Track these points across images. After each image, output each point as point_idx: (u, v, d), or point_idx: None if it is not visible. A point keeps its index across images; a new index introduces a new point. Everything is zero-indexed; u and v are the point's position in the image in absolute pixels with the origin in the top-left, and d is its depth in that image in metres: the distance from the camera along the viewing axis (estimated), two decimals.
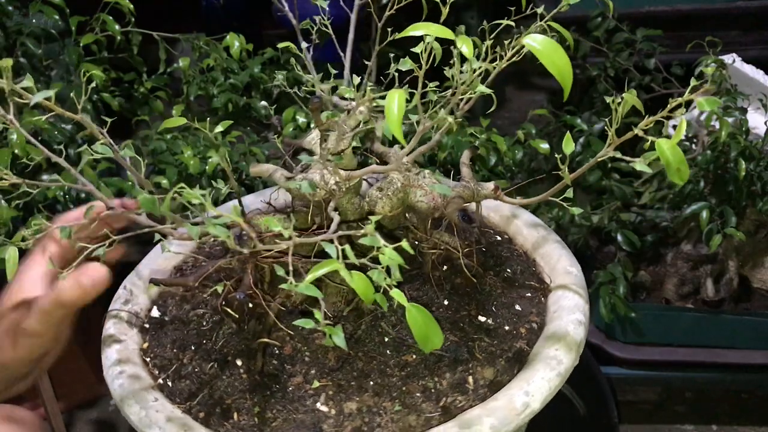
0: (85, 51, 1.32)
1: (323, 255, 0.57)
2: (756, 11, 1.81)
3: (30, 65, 1.30)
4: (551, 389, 0.58)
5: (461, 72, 0.51)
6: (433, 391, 0.60)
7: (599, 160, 0.53)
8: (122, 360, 0.64)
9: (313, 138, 0.69)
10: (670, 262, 1.39)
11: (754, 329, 1.34)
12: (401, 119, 0.48)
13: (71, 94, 0.52)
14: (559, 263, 0.73)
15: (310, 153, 0.69)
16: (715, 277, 1.36)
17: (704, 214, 1.17)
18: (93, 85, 0.56)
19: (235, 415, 0.60)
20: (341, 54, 0.73)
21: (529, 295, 0.71)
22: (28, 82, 0.46)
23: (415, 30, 0.50)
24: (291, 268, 0.49)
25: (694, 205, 1.19)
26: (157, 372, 0.65)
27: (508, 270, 0.74)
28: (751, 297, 1.40)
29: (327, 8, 0.70)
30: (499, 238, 0.79)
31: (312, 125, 0.73)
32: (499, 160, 1.25)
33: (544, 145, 1.27)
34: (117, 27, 1.32)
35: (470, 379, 0.61)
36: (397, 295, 0.47)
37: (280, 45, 0.73)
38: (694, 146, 1.26)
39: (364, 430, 0.58)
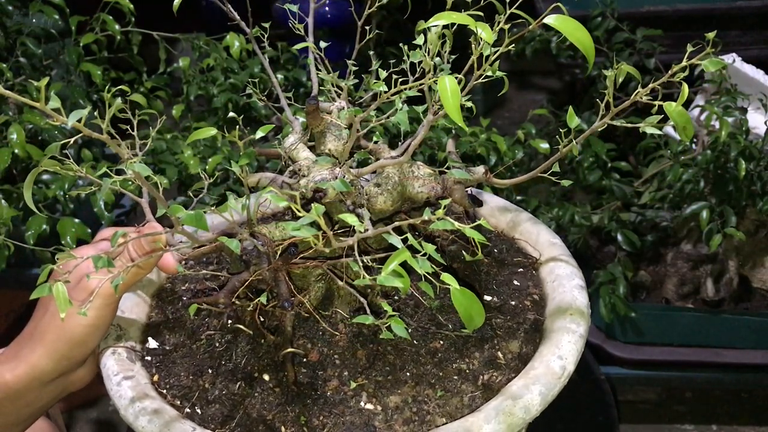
0: (85, 51, 1.32)
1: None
2: (756, 11, 1.81)
3: (30, 65, 1.30)
4: (579, 351, 0.61)
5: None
6: (468, 371, 0.62)
7: (599, 129, 0.54)
8: (139, 397, 0.61)
9: (293, 144, 0.68)
10: (670, 262, 1.39)
11: (754, 329, 1.34)
12: (458, 104, 0.48)
13: (95, 113, 0.52)
14: (540, 237, 0.76)
15: (291, 159, 0.68)
16: (715, 277, 1.35)
17: (704, 214, 1.17)
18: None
19: (282, 429, 0.59)
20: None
21: (521, 270, 0.73)
22: (54, 102, 0.46)
23: (438, 19, 0.51)
24: (361, 264, 0.50)
25: (694, 205, 1.19)
26: (179, 402, 0.62)
27: (495, 250, 0.76)
28: (751, 297, 1.40)
29: (298, 12, 0.70)
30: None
31: (282, 132, 0.72)
32: (499, 160, 1.25)
33: (544, 145, 1.27)
34: (117, 27, 1.32)
35: (499, 354, 0.63)
36: (447, 278, 0.49)
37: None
38: (694, 146, 1.26)
39: (415, 420, 0.58)
